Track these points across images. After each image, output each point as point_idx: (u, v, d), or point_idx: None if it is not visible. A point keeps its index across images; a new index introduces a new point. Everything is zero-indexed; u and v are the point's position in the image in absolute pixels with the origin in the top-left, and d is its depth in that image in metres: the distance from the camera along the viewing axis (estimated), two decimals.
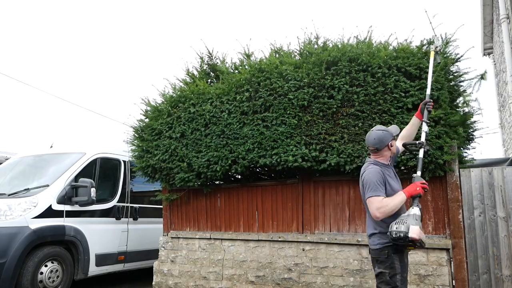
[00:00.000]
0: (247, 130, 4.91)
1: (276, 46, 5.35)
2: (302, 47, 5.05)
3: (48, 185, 5.60)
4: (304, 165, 4.54)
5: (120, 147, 6.71)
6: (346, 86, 4.42)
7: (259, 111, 4.91)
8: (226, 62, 5.87)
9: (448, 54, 4.43)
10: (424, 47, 4.40)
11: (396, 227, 2.78)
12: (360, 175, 3.05)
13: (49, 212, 5.39)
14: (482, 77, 4.55)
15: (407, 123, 4.15)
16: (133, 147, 5.94)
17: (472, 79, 4.54)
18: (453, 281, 4.22)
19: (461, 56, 4.45)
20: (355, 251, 4.59)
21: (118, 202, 6.46)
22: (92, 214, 5.98)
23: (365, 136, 3.16)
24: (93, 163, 6.21)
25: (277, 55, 5.22)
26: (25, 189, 5.60)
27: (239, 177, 5.78)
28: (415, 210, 2.87)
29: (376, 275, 2.94)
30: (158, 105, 5.77)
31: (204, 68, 6.04)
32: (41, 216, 5.29)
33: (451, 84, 4.49)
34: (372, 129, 3.14)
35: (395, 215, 2.87)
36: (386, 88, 4.30)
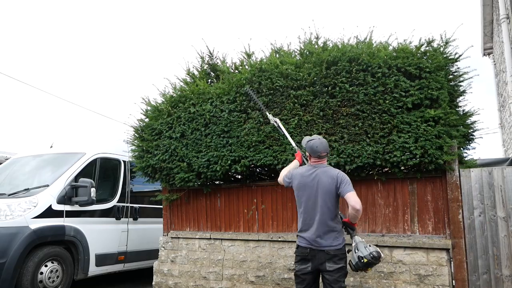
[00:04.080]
0: (247, 129, 4.92)
1: (276, 46, 5.36)
2: (303, 47, 5.05)
3: (48, 185, 5.60)
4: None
5: (120, 147, 6.71)
6: (346, 86, 4.43)
7: (259, 110, 4.91)
8: (227, 62, 5.88)
9: (448, 54, 4.43)
10: (423, 47, 4.41)
11: (368, 250, 3.26)
12: (333, 175, 3.36)
13: (49, 212, 5.39)
14: None
15: (407, 123, 4.17)
16: (133, 147, 5.94)
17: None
18: (453, 281, 4.22)
19: (460, 56, 4.45)
20: None
21: (118, 202, 6.47)
22: (92, 214, 5.98)
23: (315, 143, 3.43)
24: (93, 163, 6.21)
25: (277, 55, 5.23)
26: (25, 189, 5.61)
27: (239, 177, 5.78)
28: (359, 238, 3.45)
29: (338, 269, 3.27)
30: (158, 105, 5.77)
31: (205, 68, 6.05)
32: (41, 216, 5.29)
33: (450, 84, 4.49)
34: (317, 137, 3.51)
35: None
36: (386, 88, 4.30)
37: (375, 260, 3.25)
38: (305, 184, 3.42)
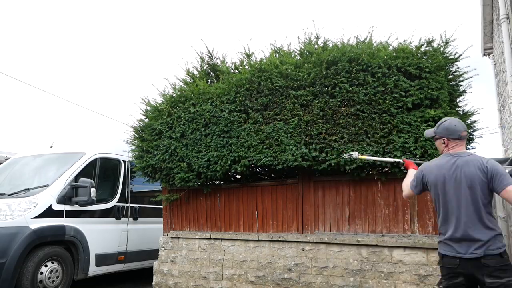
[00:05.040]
0: (247, 129, 4.92)
1: (276, 46, 5.36)
2: (303, 47, 5.06)
3: (48, 185, 5.60)
4: (304, 164, 4.54)
5: (120, 147, 6.71)
6: (346, 86, 4.43)
7: (259, 110, 4.91)
8: (226, 62, 5.88)
9: (448, 54, 4.43)
10: (423, 47, 4.41)
11: None
12: (481, 165, 2.56)
13: (49, 212, 5.39)
14: None
15: (407, 123, 4.17)
16: (133, 147, 5.94)
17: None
18: None
19: (460, 56, 4.46)
20: (355, 251, 4.59)
21: (118, 202, 6.46)
22: (92, 214, 5.98)
23: (452, 121, 2.72)
24: (93, 163, 6.21)
25: (277, 55, 5.23)
26: (25, 189, 5.60)
27: (239, 177, 5.78)
28: None
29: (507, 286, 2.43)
30: (158, 105, 5.77)
31: (204, 68, 6.05)
32: (41, 216, 5.29)
33: (450, 84, 4.49)
34: (448, 118, 2.80)
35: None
36: (386, 88, 4.30)
37: None
38: (446, 177, 2.62)
